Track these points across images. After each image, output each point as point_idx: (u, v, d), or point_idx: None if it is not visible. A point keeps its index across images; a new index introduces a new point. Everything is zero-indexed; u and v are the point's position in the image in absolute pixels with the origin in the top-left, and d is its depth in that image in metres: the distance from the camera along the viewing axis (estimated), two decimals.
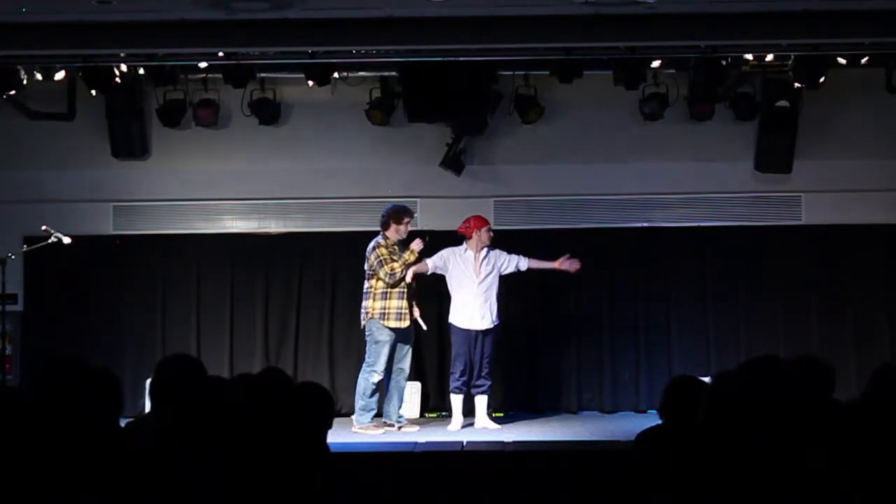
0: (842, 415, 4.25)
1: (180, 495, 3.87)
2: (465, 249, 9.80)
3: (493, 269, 9.79)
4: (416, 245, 9.57)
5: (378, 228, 9.75)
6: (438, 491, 6.56)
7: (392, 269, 9.52)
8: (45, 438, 3.57)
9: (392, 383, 9.76)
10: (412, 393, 10.56)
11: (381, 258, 9.54)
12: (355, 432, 9.53)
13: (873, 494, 3.68)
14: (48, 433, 3.58)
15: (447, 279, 9.85)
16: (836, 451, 3.76)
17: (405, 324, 9.61)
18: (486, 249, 9.79)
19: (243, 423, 4.29)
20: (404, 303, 9.61)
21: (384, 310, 9.56)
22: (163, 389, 4.63)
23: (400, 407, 9.82)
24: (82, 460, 3.52)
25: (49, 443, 3.55)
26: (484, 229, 9.79)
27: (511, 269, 9.85)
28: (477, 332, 9.72)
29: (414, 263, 9.60)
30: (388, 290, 9.56)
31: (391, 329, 9.57)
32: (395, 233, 9.66)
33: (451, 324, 9.82)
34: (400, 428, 9.76)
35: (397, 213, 9.68)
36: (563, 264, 9.79)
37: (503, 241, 10.02)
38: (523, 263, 9.88)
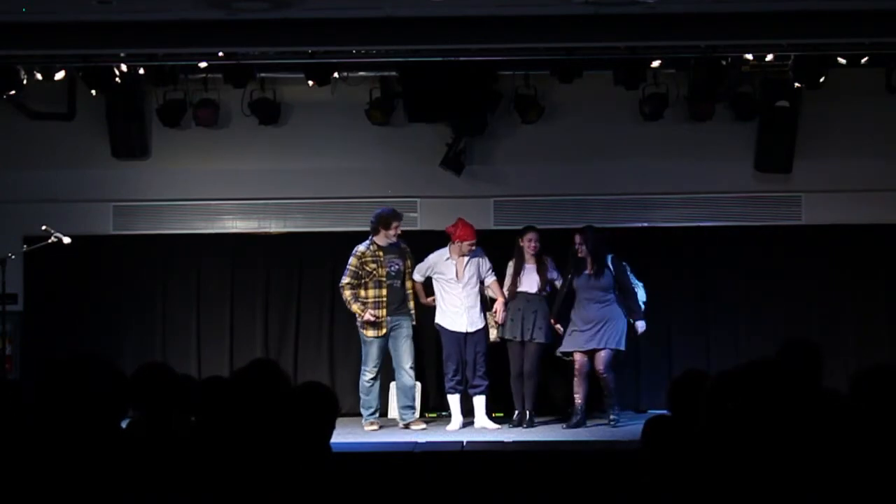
0: (840, 411, 4.25)
1: (181, 495, 3.87)
2: (447, 256, 9.82)
3: (476, 271, 9.82)
4: (369, 316, 9.58)
5: None
6: (438, 491, 6.56)
7: (343, 285, 9.70)
8: (47, 437, 3.57)
9: (396, 382, 9.88)
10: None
11: (348, 267, 9.69)
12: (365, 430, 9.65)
13: (873, 494, 3.68)
14: (49, 432, 3.58)
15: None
16: (836, 451, 3.76)
17: (382, 332, 9.69)
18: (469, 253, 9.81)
19: (243, 423, 4.29)
20: (382, 311, 9.66)
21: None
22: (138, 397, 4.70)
23: (407, 405, 9.85)
24: (82, 459, 3.52)
25: (50, 441, 3.55)
26: (466, 243, 9.74)
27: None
28: (464, 333, 9.76)
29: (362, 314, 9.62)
30: (367, 298, 9.64)
31: (370, 336, 9.68)
32: (384, 238, 9.72)
33: (438, 324, 9.90)
34: (407, 426, 9.78)
35: (386, 219, 9.72)
36: (500, 312, 9.77)
37: (504, 240, 10.03)
38: (489, 279, 9.87)
